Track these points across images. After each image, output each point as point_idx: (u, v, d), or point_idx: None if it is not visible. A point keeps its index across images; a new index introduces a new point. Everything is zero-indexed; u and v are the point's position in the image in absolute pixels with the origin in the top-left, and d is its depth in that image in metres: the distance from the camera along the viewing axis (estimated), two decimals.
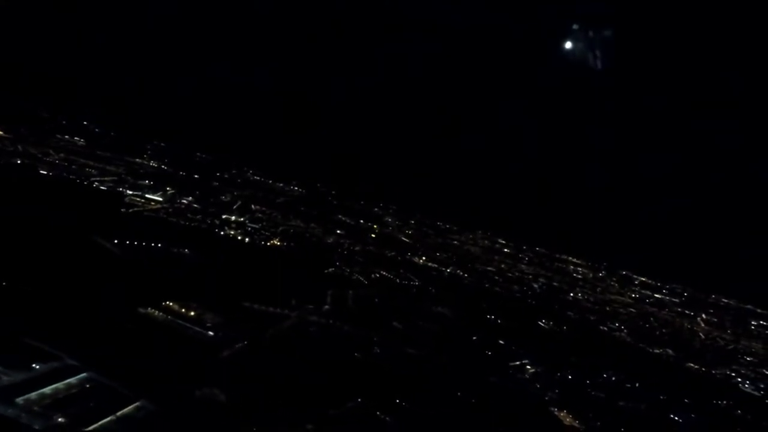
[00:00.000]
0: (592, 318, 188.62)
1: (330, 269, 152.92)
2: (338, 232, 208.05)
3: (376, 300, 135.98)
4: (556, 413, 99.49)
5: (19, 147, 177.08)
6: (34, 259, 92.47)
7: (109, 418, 61.09)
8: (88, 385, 65.82)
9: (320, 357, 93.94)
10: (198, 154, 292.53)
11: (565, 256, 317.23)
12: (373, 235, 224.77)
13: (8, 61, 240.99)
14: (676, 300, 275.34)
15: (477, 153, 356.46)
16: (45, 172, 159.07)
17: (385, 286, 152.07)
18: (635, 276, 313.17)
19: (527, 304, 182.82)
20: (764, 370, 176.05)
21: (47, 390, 61.78)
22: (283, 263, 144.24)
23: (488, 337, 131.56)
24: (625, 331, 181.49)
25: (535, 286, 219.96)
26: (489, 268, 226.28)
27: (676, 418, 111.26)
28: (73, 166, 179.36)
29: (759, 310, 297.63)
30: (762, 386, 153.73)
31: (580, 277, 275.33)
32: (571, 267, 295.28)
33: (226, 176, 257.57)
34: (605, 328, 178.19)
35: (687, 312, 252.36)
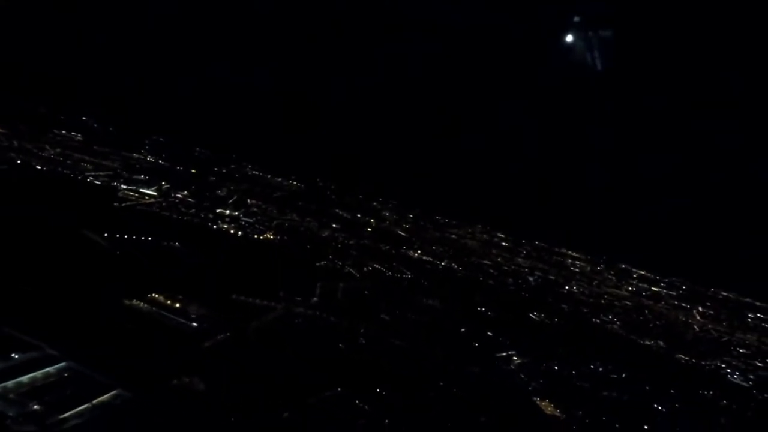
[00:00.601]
0: (585, 310, 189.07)
1: (322, 262, 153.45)
2: (334, 226, 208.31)
3: (366, 292, 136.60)
4: (537, 402, 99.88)
5: (15, 142, 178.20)
6: (21, 252, 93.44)
7: (84, 406, 62.31)
8: (66, 374, 67.01)
9: (303, 347, 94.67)
10: (197, 149, 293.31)
11: (564, 251, 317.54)
12: (370, 229, 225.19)
13: (8, 61, 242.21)
14: (674, 293, 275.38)
15: (477, 153, 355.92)
16: (38, 167, 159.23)
17: (377, 279, 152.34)
18: (634, 270, 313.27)
19: (520, 296, 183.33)
20: (756, 362, 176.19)
21: (24, 379, 62.99)
22: (274, 256, 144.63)
23: (476, 329, 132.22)
24: (618, 323, 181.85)
25: (531, 279, 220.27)
26: (485, 262, 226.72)
27: (659, 408, 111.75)
28: (68, 161, 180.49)
29: (758, 303, 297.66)
30: (752, 377, 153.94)
31: (577, 270, 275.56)
32: (569, 261, 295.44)
33: (224, 171, 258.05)
34: (597, 321, 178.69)
35: (683, 305, 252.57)
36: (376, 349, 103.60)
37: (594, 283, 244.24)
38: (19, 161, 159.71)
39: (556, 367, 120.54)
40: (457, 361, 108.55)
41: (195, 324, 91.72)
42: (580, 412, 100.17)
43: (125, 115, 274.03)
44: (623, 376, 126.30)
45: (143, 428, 62.14)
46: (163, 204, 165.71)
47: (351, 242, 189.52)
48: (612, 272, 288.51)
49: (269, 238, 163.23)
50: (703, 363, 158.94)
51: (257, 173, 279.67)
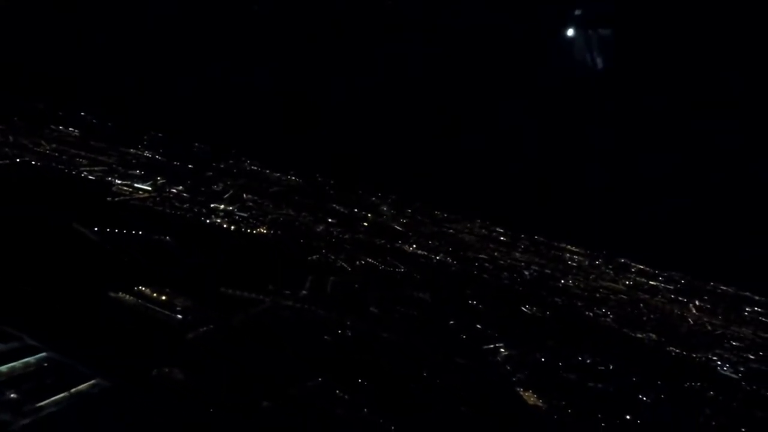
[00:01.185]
0: (579, 304, 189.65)
1: (314, 256, 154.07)
2: (329, 220, 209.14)
3: (356, 286, 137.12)
4: (521, 393, 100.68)
5: (10, 137, 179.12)
6: (7, 245, 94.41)
7: (62, 395, 63.12)
8: (45, 364, 67.93)
9: (288, 339, 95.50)
10: (196, 144, 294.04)
11: (563, 245, 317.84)
12: (366, 224, 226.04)
13: (8, 61, 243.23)
14: (671, 287, 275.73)
15: (477, 153, 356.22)
16: (31, 162, 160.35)
17: (369, 273, 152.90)
18: (633, 264, 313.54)
19: (514, 290, 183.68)
20: (748, 355, 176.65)
21: (3, 368, 63.96)
22: (266, 250, 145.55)
23: (466, 322, 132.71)
24: (611, 316, 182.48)
25: (526, 273, 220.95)
26: (481, 256, 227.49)
27: (644, 399, 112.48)
28: (64, 156, 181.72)
29: (757, 297, 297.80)
30: (742, 369, 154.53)
31: (575, 264, 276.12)
32: (567, 255, 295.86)
33: (221, 167, 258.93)
34: (591, 314, 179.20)
35: (680, 299, 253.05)
36: (361, 342, 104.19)
37: (591, 277, 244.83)
38: (12, 156, 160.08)
39: (543, 359, 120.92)
40: (443, 352, 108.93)
41: (180, 316, 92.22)
42: (563, 403, 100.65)
43: (124, 114, 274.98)
44: (611, 367, 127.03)
45: (119, 417, 62.86)
46: (157, 199, 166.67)
47: (345, 237, 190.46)
48: (610, 266, 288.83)
49: (262, 232, 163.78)
50: (693, 355, 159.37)
51: (256, 169, 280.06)
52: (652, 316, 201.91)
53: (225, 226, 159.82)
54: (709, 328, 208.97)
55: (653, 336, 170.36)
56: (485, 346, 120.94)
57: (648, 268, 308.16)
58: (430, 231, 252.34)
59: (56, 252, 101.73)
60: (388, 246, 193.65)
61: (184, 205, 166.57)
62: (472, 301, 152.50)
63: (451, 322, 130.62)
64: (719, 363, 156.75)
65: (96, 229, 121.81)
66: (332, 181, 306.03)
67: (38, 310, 78.56)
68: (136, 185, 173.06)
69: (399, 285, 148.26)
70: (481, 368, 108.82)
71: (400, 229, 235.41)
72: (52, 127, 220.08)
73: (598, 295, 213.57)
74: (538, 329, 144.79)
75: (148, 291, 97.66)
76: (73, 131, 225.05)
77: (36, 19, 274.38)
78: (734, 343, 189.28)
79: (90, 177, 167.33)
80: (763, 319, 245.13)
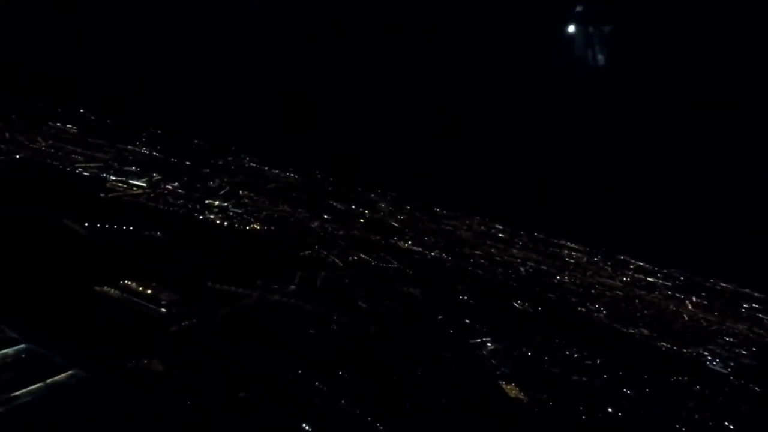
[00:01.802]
0: (572, 300, 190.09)
1: (306, 252, 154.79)
2: (325, 217, 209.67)
3: (347, 281, 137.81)
4: (503, 386, 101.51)
5: (7, 134, 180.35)
6: None
7: (38, 385, 64.18)
8: (24, 355, 69.01)
9: (272, 333, 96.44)
10: (195, 142, 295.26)
11: (562, 242, 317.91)
12: (362, 220, 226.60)
13: (8, 60, 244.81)
14: (669, 284, 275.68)
15: (477, 153, 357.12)
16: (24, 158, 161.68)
17: (360, 269, 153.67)
18: (632, 261, 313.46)
19: (507, 286, 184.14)
20: (741, 350, 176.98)
21: None
22: (257, 246, 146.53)
23: (454, 317, 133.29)
24: (604, 312, 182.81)
25: (522, 269, 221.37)
26: (477, 252, 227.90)
27: (628, 392, 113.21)
28: (60, 153, 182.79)
29: (756, 294, 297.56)
30: (732, 364, 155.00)
31: (572, 261, 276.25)
32: (566, 252, 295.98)
33: (219, 164, 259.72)
34: (583, 309, 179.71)
35: (677, 295, 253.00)
36: (345, 335, 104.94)
37: (587, 274, 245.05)
38: (6, 152, 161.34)
39: (529, 353, 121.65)
40: (427, 346, 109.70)
41: (164, 310, 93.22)
42: (545, 396, 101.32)
43: (124, 111, 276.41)
44: (598, 362, 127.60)
45: (94, 406, 63.91)
46: (151, 195, 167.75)
47: (340, 233, 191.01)
48: (608, 263, 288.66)
49: (255, 228, 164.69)
50: (684, 351, 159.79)
51: (254, 166, 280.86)
52: (646, 312, 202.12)
53: (218, 222, 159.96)
54: (704, 324, 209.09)
55: (645, 331, 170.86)
56: (472, 341, 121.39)
57: (647, 265, 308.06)
58: (427, 228, 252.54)
59: (44, 247, 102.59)
60: (383, 242, 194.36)
61: (178, 201, 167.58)
62: (463, 296, 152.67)
63: (440, 316, 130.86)
64: (709, 358, 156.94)
65: (86, 224, 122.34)
66: (331, 179, 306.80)
67: (21, 303, 79.30)
68: (130, 182, 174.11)
69: (390, 280, 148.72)
70: (465, 361, 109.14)
71: (396, 225, 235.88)
72: (50, 124, 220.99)
73: (593, 291, 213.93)
74: (528, 324, 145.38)
75: (134, 285, 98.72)
76: (71, 128, 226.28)
77: (36, 18, 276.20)
78: (727, 339, 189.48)
79: (84, 173, 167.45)
80: (761, 315, 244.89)
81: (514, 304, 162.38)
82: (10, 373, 64.70)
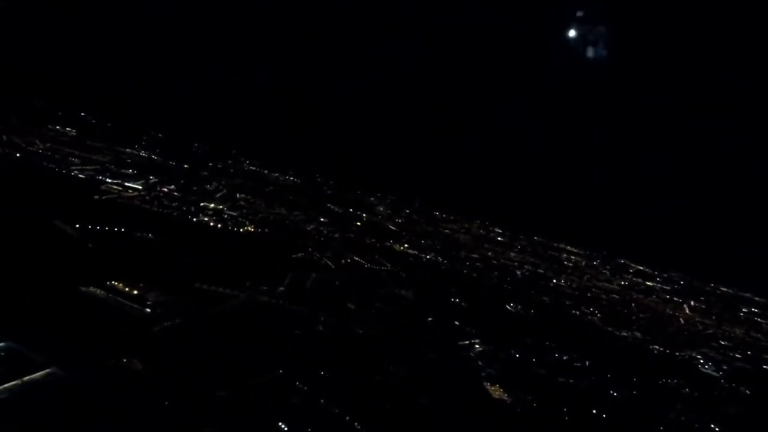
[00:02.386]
0: (567, 303, 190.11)
1: (299, 254, 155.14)
2: (322, 220, 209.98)
3: (337, 283, 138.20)
4: (487, 387, 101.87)
5: (4, 137, 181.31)
6: None
7: (14, 382, 64.84)
8: (2, 353, 69.65)
9: (256, 334, 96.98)
10: (195, 145, 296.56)
11: (562, 246, 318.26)
12: (359, 223, 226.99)
13: (8, 61, 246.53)
14: (668, 288, 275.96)
15: (477, 153, 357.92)
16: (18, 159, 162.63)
17: (352, 271, 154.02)
18: (633, 265, 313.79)
19: (502, 289, 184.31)
20: (735, 354, 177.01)
21: None
22: (249, 248, 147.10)
23: (444, 319, 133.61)
24: (599, 315, 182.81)
25: (518, 272, 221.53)
26: (473, 255, 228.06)
27: (615, 394, 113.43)
28: (56, 156, 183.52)
29: (757, 299, 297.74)
30: (725, 368, 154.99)
31: (570, 264, 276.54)
32: (565, 255, 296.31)
33: (218, 167, 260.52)
34: (577, 313, 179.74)
35: (675, 299, 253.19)
36: (330, 336, 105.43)
37: (585, 278, 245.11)
38: (2, 155, 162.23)
39: (517, 355, 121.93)
40: (413, 347, 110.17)
41: (149, 310, 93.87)
42: (530, 397, 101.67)
43: (124, 114, 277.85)
44: (587, 364, 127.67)
45: (69, 405, 64.62)
46: (146, 197, 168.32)
47: (335, 235, 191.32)
48: (607, 267, 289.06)
49: (249, 230, 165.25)
50: (677, 354, 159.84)
51: (254, 169, 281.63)
52: (641, 315, 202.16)
53: (212, 224, 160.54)
54: (700, 327, 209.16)
55: (638, 335, 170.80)
56: (460, 342, 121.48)
57: (647, 269, 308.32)
58: (424, 231, 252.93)
59: (31, 247, 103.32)
60: (378, 245, 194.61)
61: (173, 204, 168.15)
62: (455, 299, 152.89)
63: (430, 318, 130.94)
64: (702, 361, 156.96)
65: (77, 225, 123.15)
66: (331, 182, 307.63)
67: (2, 302, 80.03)
68: (126, 184, 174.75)
69: (382, 283, 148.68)
70: (450, 363, 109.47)
71: (393, 228, 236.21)
72: (49, 126, 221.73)
73: (589, 294, 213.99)
74: (519, 327, 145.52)
75: (120, 285, 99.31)
76: (70, 131, 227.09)
77: (36, 19, 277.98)
78: (723, 343, 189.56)
79: (80, 176, 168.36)
80: (759, 319, 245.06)
81: (507, 306, 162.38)
82: None
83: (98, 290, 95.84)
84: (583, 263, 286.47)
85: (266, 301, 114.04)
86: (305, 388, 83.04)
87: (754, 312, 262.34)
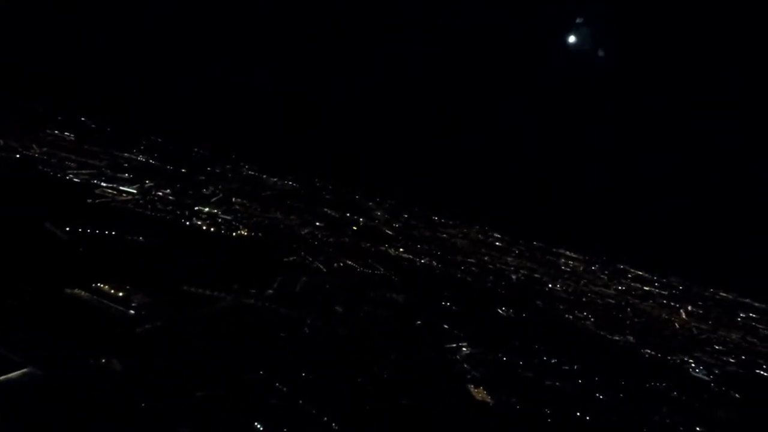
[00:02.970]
0: (561, 307, 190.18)
1: (291, 258, 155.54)
2: (317, 224, 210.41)
3: (327, 286, 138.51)
4: (471, 389, 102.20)
5: (1, 141, 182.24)
6: None
7: None
8: None
9: (239, 335, 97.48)
10: (195, 149, 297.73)
11: (561, 251, 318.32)
12: (355, 228, 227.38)
13: (8, 61, 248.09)
14: (665, 292, 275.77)
15: (477, 153, 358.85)
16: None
17: (344, 275, 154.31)
18: (632, 270, 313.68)
19: (495, 293, 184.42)
20: (729, 359, 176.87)
21: None
22: (240, 251, 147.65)
23: (434, 322, 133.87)
24: (592, 319, 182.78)
25: (513, 277, 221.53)
26: (470, 260, 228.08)
27: (601, 397, 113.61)
28: (53, 160, 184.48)
29: (756, 304, 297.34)
30: (716, 372, 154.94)
31: (568, 269, 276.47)
32: (563, 260, 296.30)
33: (217, 171, 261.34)
34: (570, 317, 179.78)
35: (672, 304, 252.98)
36: (316, 338, 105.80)
37: (581, 282, 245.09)
38: None
39: (504, 358, 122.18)
40: (399, 349, 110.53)
41: (132, 311, 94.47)
42: (513, 399, 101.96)
43: (125, 116, 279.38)
44: (575, 367, 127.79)
45: (46, 404, 65.30)
46: (140, 201, 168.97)
47: (330, 240, 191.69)
48: (606, 272, 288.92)
49: (242, 234, 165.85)
50: (668, 358, 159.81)
51: (253, 173, 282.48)
52: (636, 320, 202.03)
53: (204, 228, 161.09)
54: (695, 332, 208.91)
55: (631, 339, 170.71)
56: (447, 345, 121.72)
57: (646, 274, 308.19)
58: (421, 235, 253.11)
59: (19, 248, 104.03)
60: (373, 249, 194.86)
61: (168, 208, 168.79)
62: (447, 302, 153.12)
63: (419, 322, 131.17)
64: (693, 365, 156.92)
65: (68, 228, 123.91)
66: (330, 186, 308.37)
67: None
68: (121, 188, 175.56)
69: (373, 286, 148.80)
70: (435, 365, 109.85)
71: (390, 233, 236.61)
72: (48, 131, 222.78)
73: (584, 299, 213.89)
74: (509, 330, 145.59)
75: (106, 287, 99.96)
76: (69, 135, 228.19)
77: (36, 19, 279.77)
78: (717, 347, 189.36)
79: (75, 179, 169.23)
80: (757, 325, 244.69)
81: (499, 310, 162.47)
82: None
83: (83, 292, 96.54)
84: (581, 268, 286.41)
85: (253, 303, 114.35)
86: (285, 389, 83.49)
87: (752, 317, 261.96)
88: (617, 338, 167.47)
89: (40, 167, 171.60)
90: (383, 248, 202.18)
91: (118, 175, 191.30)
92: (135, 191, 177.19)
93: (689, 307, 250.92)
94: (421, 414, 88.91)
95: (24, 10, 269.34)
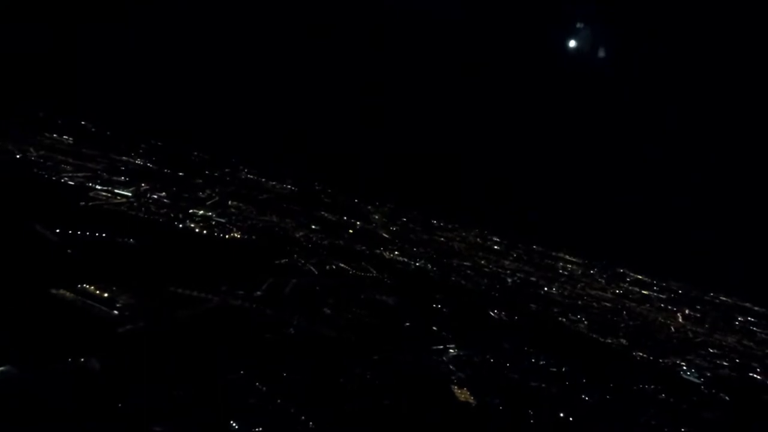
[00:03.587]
0: (555, 310, 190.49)
1: (283, 260, 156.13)
2: (313, 227, 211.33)
3: (317, 288, 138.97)
4: (454, 390, 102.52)
5: None
6: None
7: None
8: None
9: (222, 335, 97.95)
10: (195, 153, 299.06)
11: (561, 255, 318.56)
12: (351, 231, 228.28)
13: (8, 61, 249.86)
14: (664, 296, 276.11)
15: (477, 153, 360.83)
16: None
17: (336, 277, 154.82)
18: (631, 274, 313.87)
19: (488, 296, 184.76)
20: (722, 362, 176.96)
21: None
22: (231, 254, 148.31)
23: (422, 324, 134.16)
24: (586, 323, 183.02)
25: (509, 280, 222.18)
26: (465, 263, 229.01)
27: (585, 398, 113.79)
28: (48, 163, 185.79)
29: (757, 308, 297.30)
30: (708, 374, 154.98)
31: (566, 273, 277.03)
32: (561, 264, 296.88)
33: (215, 175, 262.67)
34: (564, 320, 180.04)
35: (669, 307, 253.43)
36: (301, 339, 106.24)
37: (578, 286, 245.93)
38: None
39: (492, 360, 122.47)
40: (384, 351, 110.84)
41: (116, 312, 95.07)
42: (497, 400, 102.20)
43: (126, 120, 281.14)
44: (563, 369, 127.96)
45: (21, 403, 65.87)
46: (134, 204, 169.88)
47: (324, 243, 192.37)
48: (604, 276, 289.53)
49: (235, 237, 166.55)
50: (660, 360, 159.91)
51: (252, 177, 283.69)
52: (631, 323, 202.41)
53: (197, 230, 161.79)
54: (690, 335, 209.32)
55: (624, 341, 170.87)
56: (434, 347, 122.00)
57: (646, 278, 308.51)
58: (418, 238, 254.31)
59: (6, 250, 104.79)
60: (367, 252, 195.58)
61: (161, 211, 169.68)
62: (438, 305, 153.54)
63: (407, 323, 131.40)
64: (685, 368, 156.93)
65: (58, 230, 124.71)
66: (330, 190, 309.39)
67: None
68: (116, 191, 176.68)
69: (364, 289, 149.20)
70: (420, 366, 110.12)
71: (386, 236, 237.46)
72: (47, 135, 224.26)
73: (579, 302, 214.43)
74: (499, 333, 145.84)
75: (91, 288, 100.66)
76: (68, 139, 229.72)
77: (36, 19, 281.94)
78: (711, 350, 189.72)
79: (69, 183, 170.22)
80: (754, 328, 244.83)
81: (490, 313, 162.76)
82: None
83: (67, 293, 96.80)
84: (580, 272, 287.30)
85: (240, 305, 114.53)
86: (264, 388, 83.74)
87: (750, 321, 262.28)
88: (609, 341, 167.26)
89: (35, 170, 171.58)
90: (378, 251, 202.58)
91: (114, 178, 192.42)
92: (130, 194, 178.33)
93: (687, 311, 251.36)
94: (402, 414, 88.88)
95: (24, 10, 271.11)
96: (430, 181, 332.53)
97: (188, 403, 75.65)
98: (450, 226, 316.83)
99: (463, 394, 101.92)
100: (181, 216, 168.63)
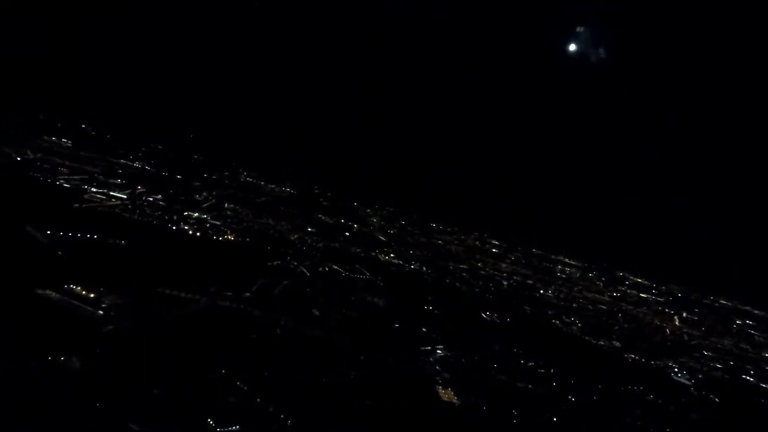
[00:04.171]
0: (549, 312, 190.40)
1: (275, 262, 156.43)
2: (309, 229, 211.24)
3: (308, 290, 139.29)
4: (439, 390, 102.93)
5: None
6: None
7: None
8: None
9: (208, 335, 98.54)
10: (194, 156, 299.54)
11: (560, 258, 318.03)
12: (347, 233, 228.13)
13: (8, 61, 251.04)
14: (662, 299, 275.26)
15: (478, 154, 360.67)
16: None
17: (327, 279, 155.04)
18: (630, 277, 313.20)
19: (482, 298, 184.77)
20: (716, 364, 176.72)
21: None
22: (223, 255, 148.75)
23: (412, 326, 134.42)
24: (579, 325, 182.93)
25: (505, 283, 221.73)
26: (461, 266, 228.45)
27: (573, 399, 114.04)
28: (45, 165, 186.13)
29: (756, 312, 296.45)
30: (699, 377, 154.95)
31: (563, 276, 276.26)
32: (559, 267, 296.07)
33: (213, 177, 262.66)
34: (557, 322, 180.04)
35: (666, 310, 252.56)
36: (287, 340, 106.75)
37: (575, 289, 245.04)
38: None
39: (480, 361, 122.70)
40: (372, 351, 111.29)
41: (101, 312, 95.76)
42: (481, 400, 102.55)
43: (125, 123, 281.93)
44: (551, 370, 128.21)
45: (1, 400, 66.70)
46: (129, 206, 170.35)
47: (319, 245, 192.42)
48: (602, 279, 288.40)
49: (229, 239, 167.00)
50: (651, 362, 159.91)
51: (251, 180, 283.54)
52: (626, 326, 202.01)
53: (191, 233, 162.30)
54: (686, 338, 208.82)
55: (617, 344, 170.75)
56: (422, 348, 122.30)
57: (644, 282, 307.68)
58: (415, 241, 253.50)
59: None
60: (362, 255, 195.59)
61: (156, 213, 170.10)
62: (429, 306, 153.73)
63: (397, 325, 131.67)
64: (676, 370, 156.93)
65: (49, 232, 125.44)
66: (328, 193, 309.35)
67: None
68: (111, 193, 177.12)
69: (356, 291, 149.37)
70: (406, 367, 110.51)
71: (383, 239, 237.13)
72: (45, 137, 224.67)
73: (575, 305, 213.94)
74: (490, 334, 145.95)
75: (78, 289, 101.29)
76: (66, 142, 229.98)
77: (36, 19, 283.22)
78: (706, 353, 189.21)
79: (65, 185, 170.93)
80: (752, 332, 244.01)
81: (483, 315, 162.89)
82: None
83: (53, 293, 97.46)
84: (578, 275, 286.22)
85: (228, 306, 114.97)
86: (245, 387, 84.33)
87: (748, 324, 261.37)
88: (602, 343, 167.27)
89: (30, 172, 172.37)
90: (373, 254, 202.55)
91: (110, 180, 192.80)
92: (125, 197, 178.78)
93: (684, 314, 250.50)
94: (384, 414, 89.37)
95: (24, 10, 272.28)
96: (429, 182, 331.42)
97: (165, 401, 76.03)
98: (449, 229, 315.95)
99: (447, 394, 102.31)
100: (175, 218, 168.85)
